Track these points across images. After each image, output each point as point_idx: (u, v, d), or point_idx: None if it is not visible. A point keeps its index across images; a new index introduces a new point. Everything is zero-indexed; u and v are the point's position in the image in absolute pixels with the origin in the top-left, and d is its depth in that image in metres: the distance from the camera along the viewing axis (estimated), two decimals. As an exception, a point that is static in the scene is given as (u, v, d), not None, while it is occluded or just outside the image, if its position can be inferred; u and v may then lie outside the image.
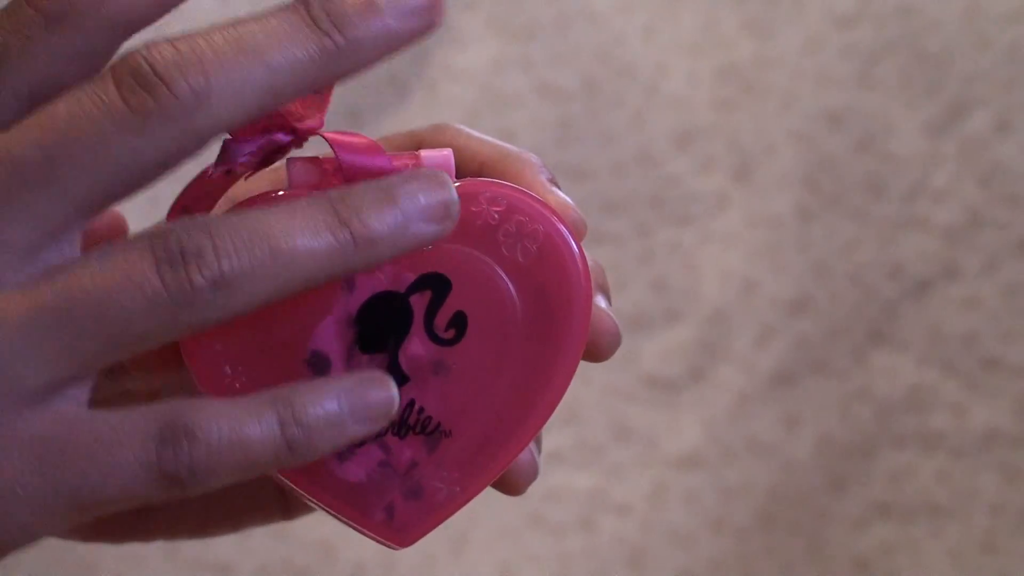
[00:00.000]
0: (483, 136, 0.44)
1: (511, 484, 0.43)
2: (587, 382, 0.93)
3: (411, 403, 0.40)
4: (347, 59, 0.36)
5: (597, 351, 0.43)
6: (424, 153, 0.41)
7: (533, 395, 0.42)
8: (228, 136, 0.38)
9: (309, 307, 0.39)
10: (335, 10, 0.36)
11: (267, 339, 0.38)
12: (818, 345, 0.92)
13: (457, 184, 0.40)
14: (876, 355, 0.92)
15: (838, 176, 0.92)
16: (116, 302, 0.34)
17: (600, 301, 0.43)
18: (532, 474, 0.43)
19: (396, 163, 0.40)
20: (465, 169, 0.43)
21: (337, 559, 0.90)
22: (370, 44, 0.37)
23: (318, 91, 0.39)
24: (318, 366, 0.39)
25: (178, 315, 0.34)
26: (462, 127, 0.44)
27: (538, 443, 0.44)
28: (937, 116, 0.92)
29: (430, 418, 0.41)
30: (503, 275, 0.41)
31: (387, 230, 0.36)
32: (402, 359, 0.40)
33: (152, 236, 0.35)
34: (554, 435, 0.93)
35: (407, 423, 0.40)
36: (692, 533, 0.92)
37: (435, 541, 0.91)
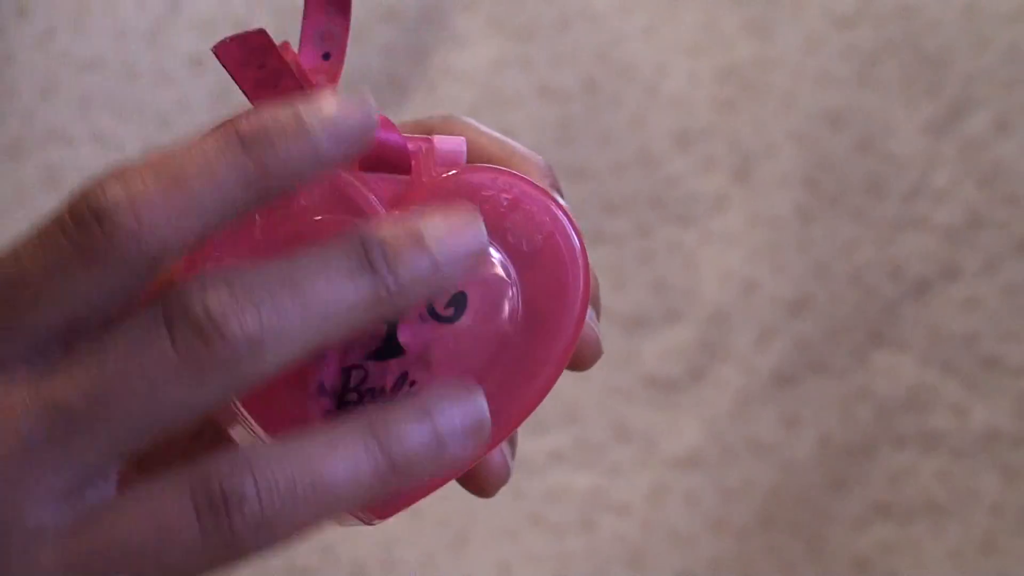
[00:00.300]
0: (491, 132, 0.44)
1: (481, 486, 0.42)
2: (587, 382, 0.93)
3: (404, 376, 0.40)
4: (396, 302, 0.36)
5: (580, 360, 0.42)
6: (437, 138, 0.41)
7: (520, 386, 0.42)
8: None
9: None
10: (390, 251, 0.36)
11: None
12: (818, 345, 0.92)
13: (469, 168, 0.40)
14: (876, 355, 0.92)
15: (838, 176, 0.92)
16: (152, 551, 0.33)
17: (590, 310, 0.43)
18: (504, 476, 0.42)
19: (411, 144, 0.40)
20: (472, 163, 0.43)
21: (337, 559, 0.90)
22: (419, 287, 0.37)
23: (332, 60, 0.39)
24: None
25: (214, 553, 0.34)
26: (471, 120, 0.44)
27: (512, 445, 0.44)
28: (937, 116, 0.92)
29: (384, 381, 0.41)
30: (507, 262, 0.41)
31: (424, 454, 0.36)
32: (399, 331, 0.40)
33: (191, 476, 0.34)
34: (554, 435, 0.93)
35: (398, 397, 0.40)
36: (692, 533, 0.92)
37: (435, 540, 0.91)
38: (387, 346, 0.40)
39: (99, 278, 0.34)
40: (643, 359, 0.93)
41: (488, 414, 0.38)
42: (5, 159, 0.90)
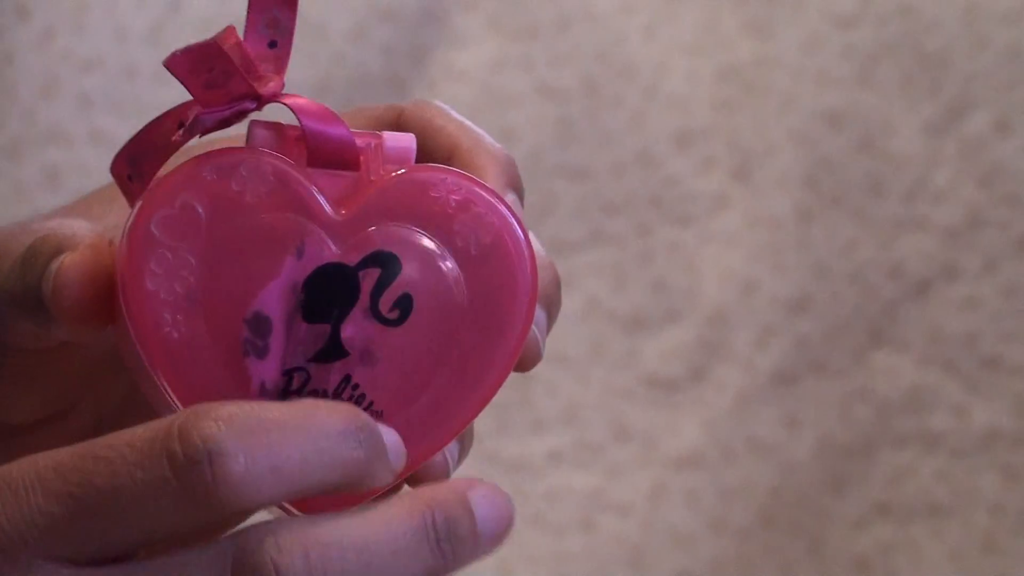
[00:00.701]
0: (463, 120, 0.44)
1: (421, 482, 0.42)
2: (587, 382, 0.93)
3: (347, 378, 0.40)
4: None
5: (520, 362, 0.42)
6: (387, 134, 0.41)
7: (466, 388, 0.41)
8: (200, 109, 0.38)
9: (258, 268, 0.38)
10: (456, 538, 0.36)
11: (211, 293, 0.38)
12: (818, 345, 0.92)
13: (418, 167, 0.40)
14: (876, 355, 0.92)
15: (838, 176, 0.92)
16: None
17: (539, 312, 0.42)
18: (445, 473, 0.42)
19: (359, 140, 0.40)
20: (437, 151, 0.43)
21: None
22: (461, 566, 0.37)
23: (279, 49, 0.39)
24: (257, 327, 0.38)
25: None
26: (443, 106, 0.44)
27: (461, 444, 0.43)
28: (937, 116, 0.92)
29: (364, 395, 0.40)
30: (454, 263, 0.41)
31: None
32: (343, 333, 0.39)
33: (232, 550, 0.34)
34: (554, 435, 0.93)
35: (341, 399, 0.40)
36: (692, 533, 0.92)
37: (435, 541, 0.91)
38: (330, 347, 0.39)
39: (191, 516, 0.33)
40: (643, 359, 0.93)
41: None
42: (5, 159, 0.90)
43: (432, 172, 0.41)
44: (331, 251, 0.39)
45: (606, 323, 0.93)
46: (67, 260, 0.38)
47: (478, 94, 0.92)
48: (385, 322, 0.40)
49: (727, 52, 0.93)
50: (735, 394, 0.93)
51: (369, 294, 0.40)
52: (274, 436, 0.34)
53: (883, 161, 0.92)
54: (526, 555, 0.93)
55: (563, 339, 0.93)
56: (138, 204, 0.38)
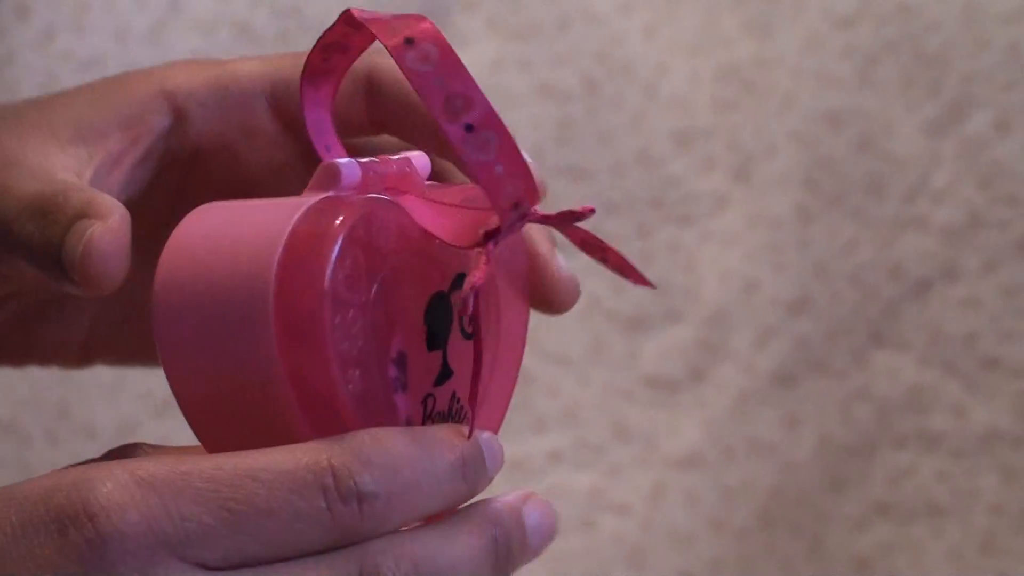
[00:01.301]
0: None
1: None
2: (587, 382, 0.93)
3: (453, 395, 0.41)
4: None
5: (561, 303, 0.44)
6: (412, 157, 0.41)
7: (509, 367, 0.44)
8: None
9: (400, 311, 0.39)
10: (512, 555, 0.40)
11: (374, 342, 0.38)
12: (818, 345, 0.92)
13: (458, 187, 0.41)
14: (876, 355, 0.92)
15: (838, 176, 0.92)
16: None
17: (553, 252, 0.44)
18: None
19: (395, 166, 0.40)
20: (418, 111, 0.43)
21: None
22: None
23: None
24: (401, 364, 0.39)
25: None
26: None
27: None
28: (937, 116, 0.92)
29: (462, 407, 0.42)
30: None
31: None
32: (449, 355, 0.41)
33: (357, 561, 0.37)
34: (554, 435, 0.93)
35: (453, 415, 0.41)
36: (692, 533, 0.92)
37: (435, 541, 0.91)
38: (445, 370, 0.41)
39: (332, 539, 0.36)
40: (643, 359, 0.93)
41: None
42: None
43: (468, 190, 0.42)
44: (435, 279, 0.40)
45: (606, 323, 0.93)
46: (99, 230, 0.39)
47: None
48: (467, 337, 0.41)
49: (727, 52, 0.93)
50: (735, 394, 0.93)
51: (458, 315, 0.41)
52: (407, 474, 0.37)
53: (883, 161, 0.92)
54: (526, 555, 0.93)
55: (563, 339, 0.93)
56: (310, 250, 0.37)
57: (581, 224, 0.41)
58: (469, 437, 0.39)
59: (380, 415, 0.38)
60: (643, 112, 0.93)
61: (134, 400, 0.89)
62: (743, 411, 0.93)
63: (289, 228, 0.37)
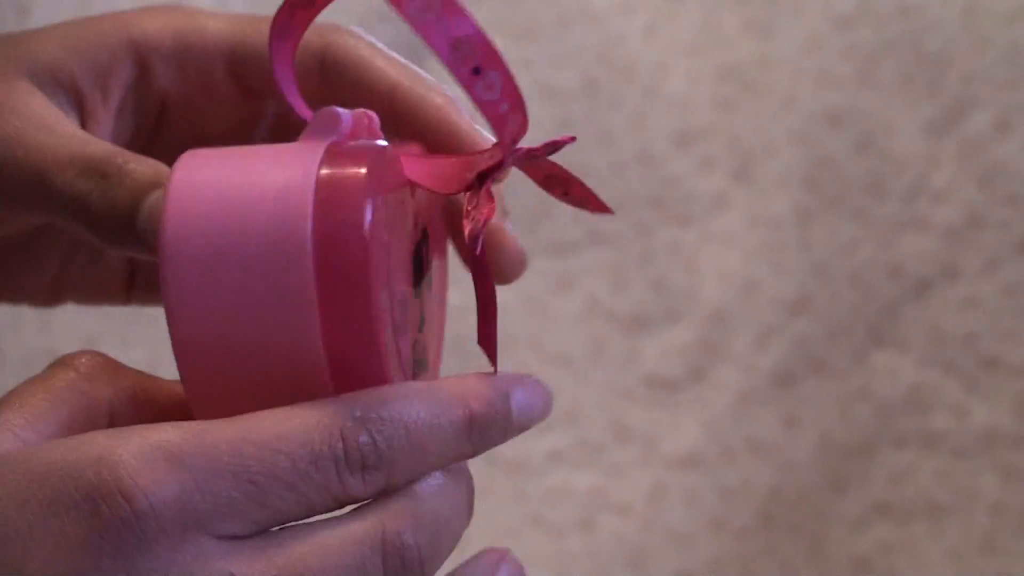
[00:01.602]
0: (386, 51, 0.45)
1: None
2: (587, 382, 0.93)
3: (415, 343, 0.42)
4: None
5: (509, 272, 0.45)
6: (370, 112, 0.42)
7: (439, 341, 0.46)
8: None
9: (400, 257, 0.40)
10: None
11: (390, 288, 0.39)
12: (818, 345, 0.92)
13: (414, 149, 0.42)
14: (876, 355, 0.92)
15: (838, 176, 0.92)
16: None
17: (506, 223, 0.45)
18: None
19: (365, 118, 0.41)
20: (375, 87, 0.44)
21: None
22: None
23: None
24: (403, 308, 0.40)
25: None
26: (373, 41, 0.45)
27: None
28: (937, 116, 0.92)
29: (426, 356, 0.43)
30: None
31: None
32: (424, 302, 0.42)
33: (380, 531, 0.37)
34: (554, 435, 0.93)
35: (420, 361, 0.42)
36: (692, 533, 0.92)
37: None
38: (422, 316, 0.42)
39: (343, 504, 0.37)
40: (643, 359, 0.93)
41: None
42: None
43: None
44: (416, 231, 0.41)
45: (606, 323, 0.93)
46: None
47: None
48: (430, 289, 0.42)
49: (727, 52, 0.93)
50: (735, 394, 0.93)
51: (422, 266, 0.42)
52: (415, 439, 0.37)
53: (883, 161, 0.92)
54: (526, 555, 0.92)
55: (563, 339, 0.93)
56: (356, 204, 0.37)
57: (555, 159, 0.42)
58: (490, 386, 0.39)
59: (394, 358, 0.38)
60: (643, 112, 0.93)
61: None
62: (743, 411, 0.93)
63: (315, 172, 0.37)
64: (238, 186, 0.37)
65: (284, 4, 0.39)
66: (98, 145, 0.41)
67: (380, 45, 0.45)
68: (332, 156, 0.37)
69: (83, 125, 0.44)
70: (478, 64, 0.37)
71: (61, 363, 0.38)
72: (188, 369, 0.37)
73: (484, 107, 0.37)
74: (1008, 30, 0.91)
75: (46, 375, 0.38)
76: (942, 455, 0.92)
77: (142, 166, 0.40)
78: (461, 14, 0.37)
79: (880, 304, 0.92)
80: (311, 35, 0.44)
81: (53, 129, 0.42)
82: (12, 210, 0.42)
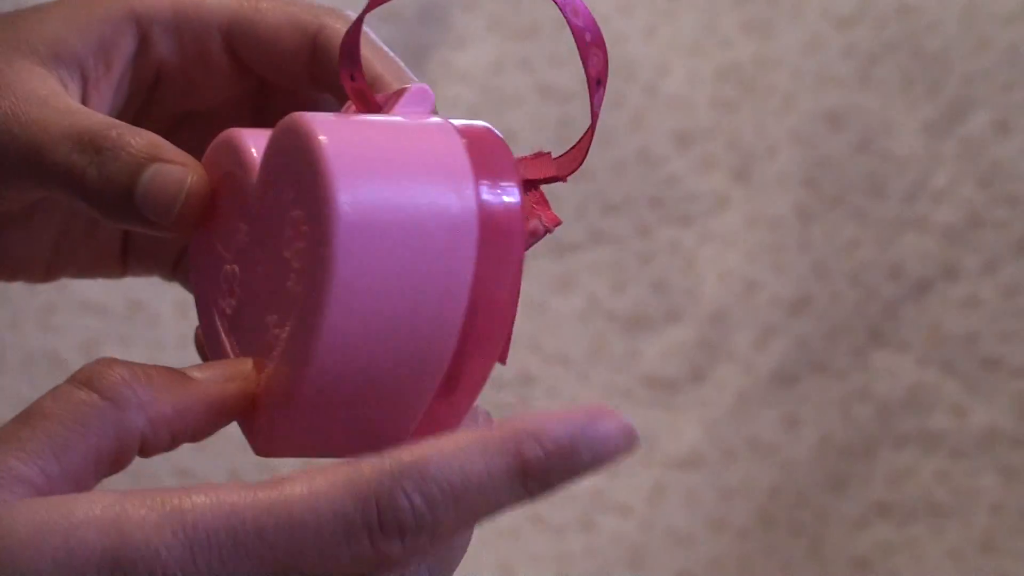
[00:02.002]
0: (376, 43, 0.45)
1: None
2: (587, 382, 0.93)
3: None
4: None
5: None
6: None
7: None
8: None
9: None
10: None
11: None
12: (818, 345, 0.92)
13: None
14: (876, 355, 0.92)
15: (838, 176, 0.92)
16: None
17: None
18: None
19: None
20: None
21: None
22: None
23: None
24: None
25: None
26: (365, 29, 0.45)
27: None
28: (937, 116, 0.92)
29: None
30: None
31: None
32: None
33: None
34: (554, 435, 0.93)
35: None
36: (692, 533, 0.92)
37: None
38: None
39: (394, 562, 0.35)
40: (643, 359, 0.93)
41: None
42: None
43: None
44: None
45: (606, 323, 0.93)
46: (197, 181, 0.40)
47: (478, 94, 0.92)
48: None
49: (727, 52, 0.93)
50: (735, 394, 0.93)
51: None
52: (460, 495, 0.36)
53: (883, 161, 0.92)
54: (526, 555, 0.93)
55: (563, 339, 0.93)
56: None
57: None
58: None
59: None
60: (643, 112, 0.93)
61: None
62: (743, 411, 0.93)
63: (464, 151, 0.37)
64: (398, 157, 0.37)
65: None
66: (92, 118, 0.41)
67: (372, 36, 0.45)
68: (466, 133, 0.38)
69: (85, 98, 0.44)
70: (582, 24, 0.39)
71: (84, 383, 0.37)
72: (337, 319, 0.36)
73: (574, 32, 0.40)
74: (1008, 30, 0.91)
75: (69, 396, 0.36)
76: (942, 455, 0.92)
77: (137, 138, 0.40)
78: None
79: (880, 304, 0.92)
80: (306, 14, 0.44)
81: (48, 104, 0.42)
82: (11, 186, 0.42)
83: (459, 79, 0.91)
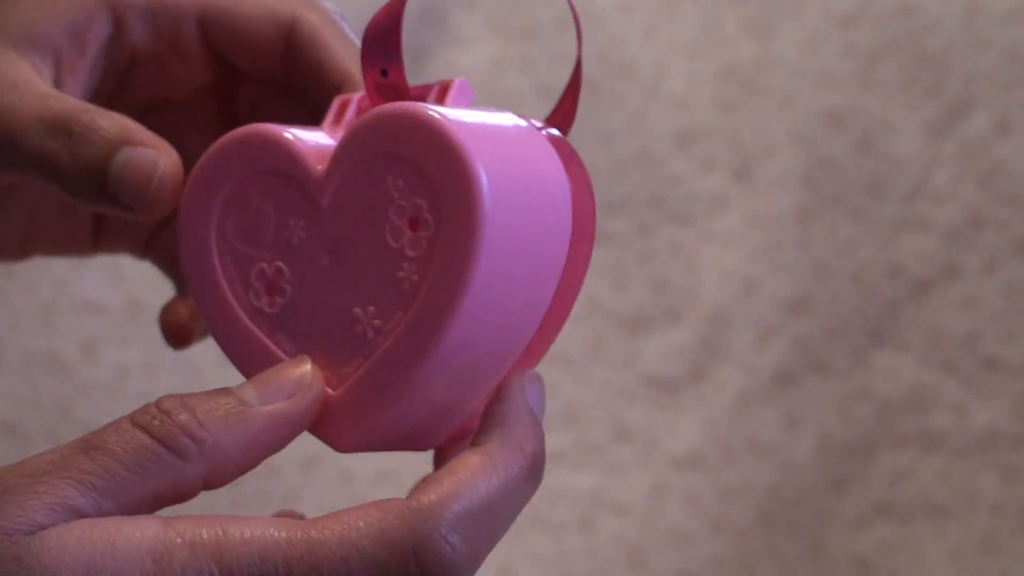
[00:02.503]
0: (350, 37, 0.45)
1: None
2: (587, 382, 0.93)
3: None
4: None
5: None
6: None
7: None
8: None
9: None
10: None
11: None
12: (818, 345, 0.92)
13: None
14: (876, 355, 0.92)
15: (838, 176, 0.92)
16: None
17: None
18: None
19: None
20: (328, 74, 0.44)
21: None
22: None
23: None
24: None
25: None
26: (330, 12, 0.45)
27: None
28: (937, 116, 0.92)
29: None
30: None
31: None
32: None
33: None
34: (554, 435, 0.93)
35: None
36: (692, 533, 0.92)
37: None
38: None
39: None
40: (643, 359, 0.93)
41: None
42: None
43: None
44: None
45: (606, 323, 0.93)
46: (170, 164, 0.41)
47: (478, 94, 0.92)
48: None
49: (727, 52, 0.93)
50: (735, 394, 0.93)
51: None
52: (491, 520, 0.37)
53: (883, 161, 0.92)
54: (526, 555, 0.93)
55: (563, 339, 0.93)
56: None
57: None
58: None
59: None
60: (643, 112, 0.93)
61: (134, 400, 0.89)
62: (743, 411, 0.93)
63: (552, 148, 0.39)
64: (519, 158, 0.38)
65: None
66: (64, 102, 0.41)
67: (346, 29, 0.45)
68: (563, 154, 0.39)
69: (60, 82, 0.44)
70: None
71: (145, 428, 0.37)
72: (460, 326, 0.37)
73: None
74: (1008, 30, 0.91)
75: (133, 438, 0.37)
76: (942, 455, 0.92)
77: (108, 122, 0.41)
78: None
79: (880, 304, 0.92)
80: (282, 5, 0.44)
81: (20, 89, 0.42)
82: None
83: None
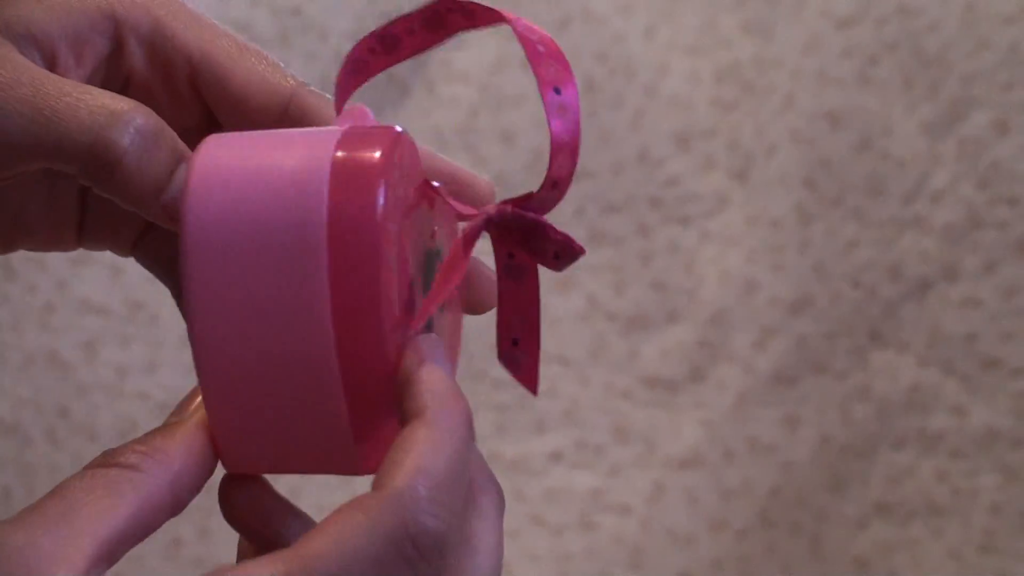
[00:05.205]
0: (199, 18, 0.45)
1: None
2: (587, 382, 0.93)
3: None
4: None
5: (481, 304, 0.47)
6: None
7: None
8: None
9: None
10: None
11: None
12: (818, 345, 0.92)
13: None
14: (876, 355, 0.92)
15: (838, 176, 0.92)
16: None
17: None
18: None
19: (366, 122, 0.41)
20: (177, 57, 0.44)
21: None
22: None
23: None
24: (411, 303, 0.40)
25: None
26: (184, 5, 0.46)
27: None
28: (937, 116, 0.92)
29: None
30: None
31: None
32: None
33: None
34: (554, 435, 0.93)
35: None
36: (692, 533, 0.92)
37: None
38: (429, 321, 0.41)
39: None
40: (643, 359, 0.93)
41: None
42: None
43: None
44: (424, 232, 0.43)
45: (606, 323, 0.93)
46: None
47: (478, 94, 0.92)
48: (441, 312, 0.44)
49: (727, 52, 0.93)
50: (735, 394, 0.93)
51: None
52: (457, 493, 0.38)
53: (883, 161, 0.92)
54: (526, 555, 0.93)
55: (563, 339, 0.93)
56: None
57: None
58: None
59: (401, 346, 0.38)
60: (643, 112, 0.93)
61: (134, 400, 0.89)
62: (743, 411, 0.93)
63: (331, 154, 0.37)
64: (262, 168, 0.38)
65: (363, 42, 0.40)
66: (119, 100, 0.42)
67: (330, 106, 0.45)
68: (352, 135, 0.38)
69: None
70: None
71: (101, 464, 0.38)
72: (204, 352, 0.37)
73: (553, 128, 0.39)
74: (1008, 30, 0.91)
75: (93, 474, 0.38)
76: (942, 455, 0.92)
77: (169, 136, 0.41)
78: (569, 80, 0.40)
79: (880, 304, 0.92)
80: (279, 77, 0.45)
81: (39, 84, 0.42)
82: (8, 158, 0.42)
83: (459, 79, 0.91)
